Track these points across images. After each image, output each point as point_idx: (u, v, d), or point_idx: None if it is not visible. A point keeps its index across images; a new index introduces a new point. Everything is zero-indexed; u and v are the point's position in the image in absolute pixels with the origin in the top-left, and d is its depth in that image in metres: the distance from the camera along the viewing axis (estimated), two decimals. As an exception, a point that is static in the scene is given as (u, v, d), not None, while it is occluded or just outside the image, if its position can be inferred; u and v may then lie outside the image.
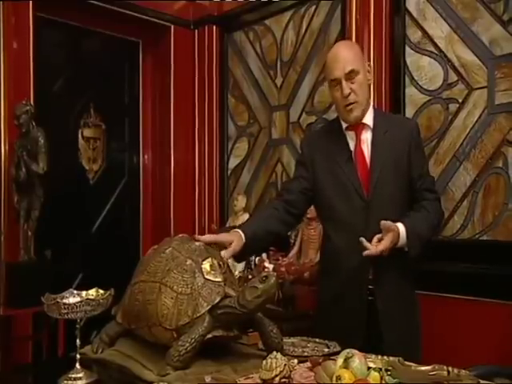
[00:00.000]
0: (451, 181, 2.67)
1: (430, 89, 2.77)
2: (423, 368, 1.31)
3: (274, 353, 1.44)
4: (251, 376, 1.44)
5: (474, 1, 2.61)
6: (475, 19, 2.60)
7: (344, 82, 1.99)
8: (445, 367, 1.27)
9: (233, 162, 3.94)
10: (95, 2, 3.55)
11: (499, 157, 2.51)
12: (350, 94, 1.99)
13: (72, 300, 1.51)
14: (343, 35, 3.12)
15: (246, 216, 3.35)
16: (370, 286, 2.00)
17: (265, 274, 1.54)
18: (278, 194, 2.23)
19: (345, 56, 2.03)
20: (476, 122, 2.59)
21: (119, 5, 3.68)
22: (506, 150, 2.49)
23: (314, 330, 2.01)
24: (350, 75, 1.99)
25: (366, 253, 1.86)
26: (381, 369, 1.26)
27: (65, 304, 1.48)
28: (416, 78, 2.82)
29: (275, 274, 1.57)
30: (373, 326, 1.98)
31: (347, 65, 1.99)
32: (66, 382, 1.48)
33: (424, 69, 2.79)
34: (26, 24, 3.22)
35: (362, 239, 1.86)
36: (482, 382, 1.25)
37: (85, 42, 3.88)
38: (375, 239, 1.87)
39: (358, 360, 1.26)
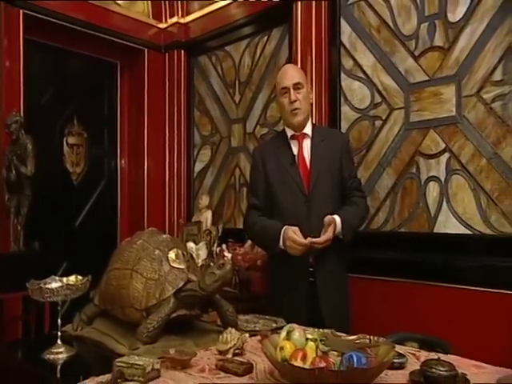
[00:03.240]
0: (377, 183, 2.72)
1: (360, 108, 2.81)
2: (350, 337, 1.34)
3: (230, 328, 1.46)
4: (210, 348, 1.46)
5: (393, 38, 2.67)
6: (394, 52, 2.67)
7: (292, 91, 2.10)
8: (367, 336, 1.30)
9: (198, 167, 3.92)
10: (79, 28, 3.48)
11: (413, 164, 2.58)
12: (295, 100, 2.09)
13: (54, 285, 1.48)
14: (290, 61, 3.13)
15: (209, 213, 3.34)
16: (311, 269, 2.04)
17: (222, 261, 1.55)
18: (253, 204, 2.21)
19: (293, 71, 2.18)
20: (396, 135, 2.65)
21: (100, 30, 3.62)
22: (418, 159, 2.56)
23: (267, 308, 2.03)
24: (297, 86, 2.10)
25: (314, 240, 1.91)
26: (316, 339, 1.28)
27: (47, 289, 1.46)
28: (349, 98, 2.86)
29: (231, 261, 1.58)
30: (313, 302, 2.03)
31: (295, 77, 2.12)
32: (48, 356, 1.46)
33: (355, 91, 2.83)
34: (17, 45, 3.15)
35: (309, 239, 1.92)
36: (396, 346, 1.28)
37: (69, 62, 3.78)
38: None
39: (297, 333, 1.29)
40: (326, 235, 1.93)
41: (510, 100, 2.27)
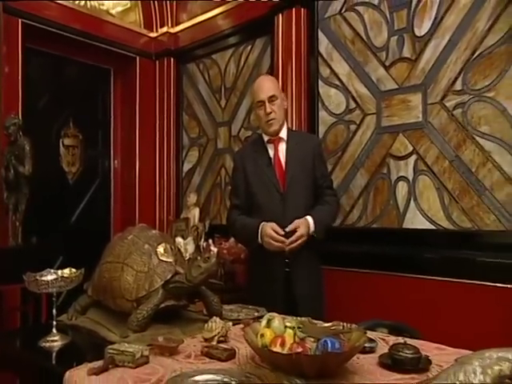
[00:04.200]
0: (351, 183, 2.73)
1: (336, 113, 2.82)
2: (325, 324, 1.34)
3: (214, 317, 1.46)
4: (196, 336, 1.46)
5: (366, 49, 2.69)
6: (367, 62, 2.68)
7: (267, 103, 2.10)
8: (341, 323, 1.30)
9: (186, 167, 3.89)
10: (75, 36, 3.45)
11: (384, 165, 2.60)
12: (271, 112, 2.09)
13: (49, 277, 1.46)
14: (272, 69, 3.14)
15: (197, 210, 3.32)
16: (287, 260, 2.05)
17: (207, 255, 1.55)
18: (234, 204, 2.23)
19: (267, 85, 2.16)
20: (368, 139, 2.67)
21: (95, 39, 3.58)
22: (388, 160, 2.59)
23: (246, 297, 2.03)
24: (272, 98, 2.11)
25: (289, 248, 1.95)
26: (294, 327, 1.28)
27: (42, 281, 1.44)
28: (326, 104, 2.87)
29: (216, 255, 1.58)
30: (289, 291, 2.04)
31: (269, 91, 2.11)
32: (44, 343, 1.44)
33: (332, 98, 2.85)
34: (16, 52, 3.10)
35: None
36: (367, 331, 1.29)
37: (66, 68, 3.72)
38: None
39: (277, 321, 1.28)
40: (299, 231, 1.96)
41: (468, 108, 2.32)
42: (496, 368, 0.87)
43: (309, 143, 2.21)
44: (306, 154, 2.14)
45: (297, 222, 1.98)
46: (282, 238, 1.94)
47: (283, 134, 2.18)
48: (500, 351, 0.90)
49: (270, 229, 1.95)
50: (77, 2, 3.52)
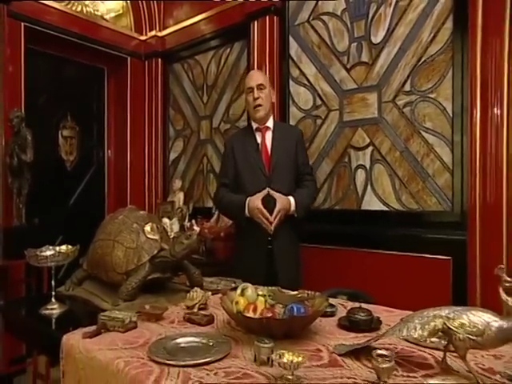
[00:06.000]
0: (318, 170, 2.73)
1: (305, 109, 2.81)
2: (293, 293, 1.35)
3: (196, 288, 1.45)
4: (179, 304, 1.45)
5: (330, 53, 2.68)
6: (331, 65, 2.67)
7: (255, 90, 2.09)
8: (306, 291, 1.31)
9: (172, 156, 3.83)
10: (73, 39, 3.33)
11: (345, 155, 2.61)
12: (258, 98, 2.08)
13: (48, 253, 1.44)
14: (248, 69, 3.08)
15: (181, 194, 3.30)
16: (269, 238, 2.02)
17: (189, 233, 1.53)
18: (222, 182, 2.17)
19: (257, 75, 2.19)
20: (332, 132, 2.67)
21: (90, 41, 3.47)
22: (349, 150, 2.60)
23: (232, 271, 1.99)
24: (260, 86, 2.10)
25: (274, 225, 1.92)
26: (265, 295, 1.28)
27: (41, 256, 1.41)
28: (296, 101, 2.86)
29: (197, 233, 1.56)
30: (271, 267, 2.02)
31: (258, 80, 2.12)
32: (44, 311, 1.43)
33: (301, 95, 2.83)
34: (19, 53, 2.99)
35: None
36: (329, 298, 1.30)
37: (64, 67, 3.58)
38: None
39: (250, 290, 1.28)
40: (277, 206, 1.94)
41: (415, 106, 2.34)
42: (432, 324, 0.91)
43: (292, 133, 2.19)
44: (290, 143, 2.12)
45: (278, 195, 1.95)
46: (268, 215, 1.90)
47: (270, 123, 2.16)
48: (435, 310, 0.93)
49: (259, 202, 1.91)
50: (74, 7, 3.38)
